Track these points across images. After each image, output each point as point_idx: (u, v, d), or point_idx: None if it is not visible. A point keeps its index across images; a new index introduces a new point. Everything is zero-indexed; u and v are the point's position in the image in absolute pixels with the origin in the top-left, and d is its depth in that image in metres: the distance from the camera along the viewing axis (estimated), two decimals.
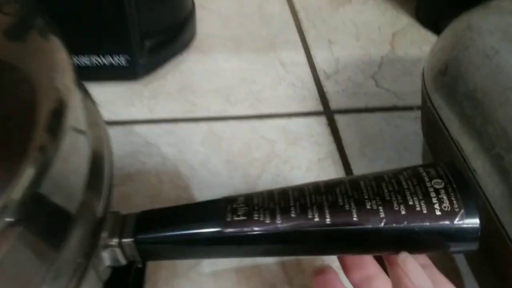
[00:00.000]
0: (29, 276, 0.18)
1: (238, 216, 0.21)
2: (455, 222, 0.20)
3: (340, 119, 0.42)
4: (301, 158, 0.38)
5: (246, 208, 0.21)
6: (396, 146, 0.40)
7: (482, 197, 0.24)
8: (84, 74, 0.42)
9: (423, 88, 0.31)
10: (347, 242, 0.21)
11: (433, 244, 0.21)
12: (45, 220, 0.18)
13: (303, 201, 0.21)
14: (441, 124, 0.28)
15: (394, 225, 0.20)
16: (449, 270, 0.31)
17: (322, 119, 0.42)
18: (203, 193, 0.35)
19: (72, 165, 0.20)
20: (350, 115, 0.42)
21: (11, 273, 0.17)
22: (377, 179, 0.22)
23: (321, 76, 0.47)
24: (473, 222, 0.20)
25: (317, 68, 0.47)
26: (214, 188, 0.36)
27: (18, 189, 0.16)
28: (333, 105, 0.43)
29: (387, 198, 0.21)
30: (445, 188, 0.20)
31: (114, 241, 0.21)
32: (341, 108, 0.43)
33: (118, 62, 0.40)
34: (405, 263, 0.20)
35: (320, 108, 0.43)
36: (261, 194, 0.22)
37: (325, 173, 0.37)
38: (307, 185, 0.22)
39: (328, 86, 0.45)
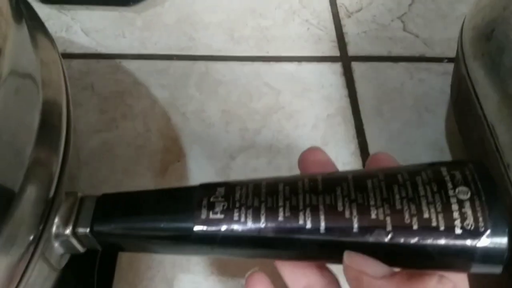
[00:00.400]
0: None
1: (215, 213, 0.17)
2: (478, 244, 0.16)
3: (357, 68, 0.37)
4: (308, 113, 0.34)
5: (225, 203, 0.17)
6: (418, 105, 0.35)
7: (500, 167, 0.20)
8: None
9: (460, 49, 0.25)
10: (340, 255, 0.17)
11: (449, 265, 0.17)
12: None
13: (294, 202, 0.17)
14: (475, 101, 0.23)
15: (402, 241, 0.16)
16: None
17: (337, 67, 0.37)
18: (193, 147, 0.32)
19: (12, 120, 0.17)
20: (370, 64, 0.37)
21: None
22: (389, 178, 0.17)
23: (342, 13, 0.40)
24: (500, 243, 0.16)
25: (338, 3, 0.41)
26: (206, 143, 0.32)
27: None
28: (352, 50, 0.38)
29: (398, 207, 0.17)
30: (471, 199, 0.16)
31: (68, 230, 0.17)
32: (360, 54, 0.38)
33: None
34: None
35: (336, 53, 0.38)
36: (245, 185, 0.18)
37: (333, 133, 0.33)
38: (303, 179, 0.18)
39: (348, 26, 0.39)
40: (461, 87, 0.25)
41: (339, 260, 0.17)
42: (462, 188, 0.17)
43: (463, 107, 0.26)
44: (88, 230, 0.17)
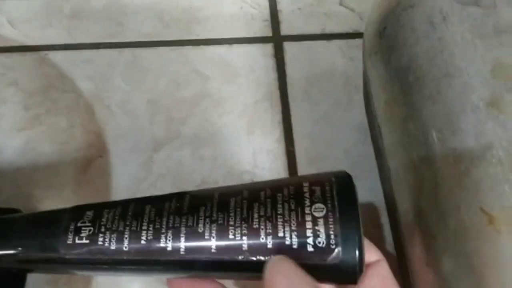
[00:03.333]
0: None
1: (81, 238, 0.18)
2: (328, 260, 0.17)
3: (289, 49, 0.36)
4: (236, 99, 0.34)
5: (91, 228, 0.18)
6: (347, 85, 0.35)
7: (392, 201, 0.21)
8: None
9: (363, 43, 0.25)
10: (205, 272, 0.18)
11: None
12: None
13: (158, 224, 0.17)
14: (370, 99, 0.23)
15: (256, 259, 0.17)
16: (376, 237, 0.29)
17: (268, 48, 0.36)
18: (118, 141, 0.32)
19: None
20: (302, 44, 0.36)
21: None
22: (252, 196, 0.18)
23: None
24: (351, 259, 0.17)
25: None
26: (131, 136, 0.32)
27: None
28: (285, 29, 0.37)
29: (255, 226, 0.17)
30: (325, 217, 0.17)
31: None
32: (293, 33, 0.37)
33: None
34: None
35: (268, 33, 0.37)
36: (114, 208, 0.18)
37: (259, 119, 0.33)
38: (170, 200, 0.18)
39: (283, 3, 0.38)
40: (364, 77, 0.25)
41: (206, 276, 0.18)
42: (318, 205, 0.17)
43: (366, 101, 0.26)
44: None
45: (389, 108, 0.21)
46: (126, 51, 0.35)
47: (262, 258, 0.17)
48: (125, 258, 0.17)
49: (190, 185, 0.30)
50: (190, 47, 0.36)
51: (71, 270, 0.18)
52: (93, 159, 0.31)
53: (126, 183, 0.30)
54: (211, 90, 0.34)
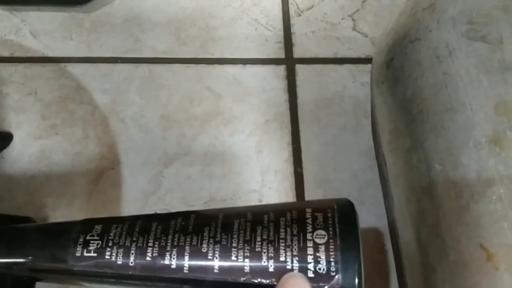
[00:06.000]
0: None
1: (89, 251, 0.18)
2: (328, 287, 0.17)
3: (301, 71, 0.37)
4: (247, 119, 0.34)
5: (99, 242, 0.18)
6: (357, 109, 0.35)
7: (394, 231, 0.21)
8: None
9: (371, 71, 0.25)
10: None
11: None
12: None
13: (163, 242, 0.18)
14: (376, 127, 0.24)
15: (258, 281, 0.17)
16: (380, 263, 0.29)
17: (281, 70, 0.37)
18: (129, 155, 0.33)
19: None
20: (314, 67, 0.37)
21: None
22: (256, 218, 0.18)
23: (292, 12, 0.40)
24: (350, 286, 0.17)
25: (290, 0, 0.41)
26: (143, 150, 0.33)
27: None
28: (298, 51, 0.38)
29: (257, 249, 0.18)
30: (326, 244, 0.17)
31: None
32: (305, 56, 0.38)
33: None
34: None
35: (281, 55, 0.38)
36: (122, 224, 0.19)
37: (269, 139, 0.34)
38: (176, 219, 0.19)
39: (297, 26, 0.39)
40: (371, 107, 0.25)
41: None
42: (320, 232, 0.18)
43: (373, 127, 0.26)
44: None
45: (393, 138, 0.21)
46: (143, 67, 0.36)
47: (263, 281, 0.17)
48: (130, 273, 0.18)
49: (198, 201, 0.31)
50: (205, 65, 0.37)
51: (78, 282, 0.19)
52: (105, 170, 0.32)
53: (136, 195, 0.31)
54: (223, 109, 0.35)
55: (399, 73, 0.22)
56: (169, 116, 0.34)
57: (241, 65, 0.37)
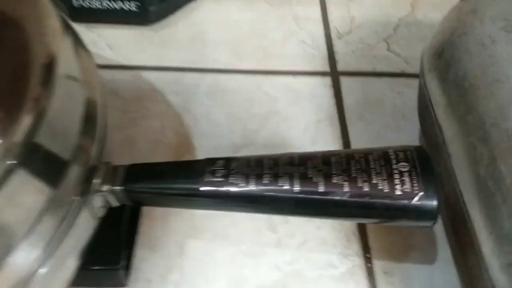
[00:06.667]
0: (30, 210, 0.21)
1: (216, 177, 0.23)
2: (413, 202, 0.21)
3: (344, 82, 0.42)
4: (301, 118, 0.40)
5: (224, 171, 0.23)
6: (396, 113, 0.40)
7: (453, 179, 0.26)
8: (96, 17, 0.44)
9: (421, 64, 0.31)
10: (313, 208, 0.23)
11: (392, 218, 0.22)
12: (42, 163, 0.21)
13: (276, 170, 0.23)
14: (429, 105, 0.29)
15: (357, 199, 0.22)
16: (426, 233, 0.33)
17: (327, 81, 0.42)
18: (202, 142, 0.37)
19: (65, 112, 0.22)
20: (356, 78, 0.43)
21: (14, 207, 0.20)
22: (348, 156, 0.23)
23: (333, 35, 0.46)
24: (431, 204, 0.21)
25: (331, 26, 0.47)
26: (214, 138, 0.37)
27: (18, 135, 0.19)
28: (341, 66, 0.44)
29: (353, 175, 0.22)
30: (409, 171, 0.22)
31: (106, 187, 0.23)
32: (348, 70, 0.43)
33: (129, 7, 0.41)
34: None
35: (326, 68, 0.44)
36: (239, 160, 0.23)
37: (322, 135, 0.39)
38: (283, 156, 0.23)
39: (338, 46, 0.45)
40: (421, 94, 0.30)
41: (307, 214, 0.23)
42: (403, 164, 0.22)
43: (422, 111, 0.31)
44: (121, 188, 0.23)
45: (448, 108, 0.27)
46: (208, 75, 0.42)
47: (358, 199, 0.22)
48: (251, 194, 0.22)
49: None
50: (261, 75, 0.42)
51: (205, 205, 0.23)
52: (183, 154, 0.36)
53: None
54: (279, 109, 0.40)
55: (450, 60, 0.27)
56: (234, 114, 0.39)
57: (292, 76, 0.43)
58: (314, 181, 0.22)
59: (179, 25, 0.46)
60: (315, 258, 0.32)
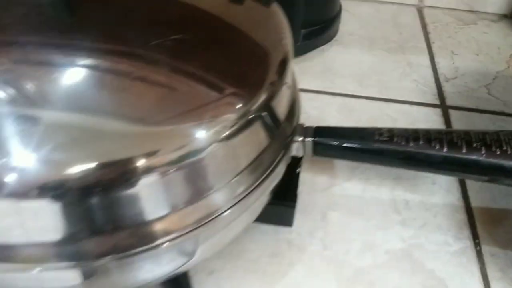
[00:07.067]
0: (254, 149, 0.30)
1: (383, 137, 0.31)
2: None
3: (453, 114, 0.51)
4: None
5: (389, 134, 0.32)
6: None
7: None
8: None
9: None
10: (456, 165, 0.30)
11: None
12: (269, 120, 0.30)
13: (428, 136, 0.31)
14: None
15: (490, 159, 0.30)
16: None
17: (438, 111, 0.51)
18: None
19: (285, 93, 0.32)
20: (462, 112, 0.51)
21: (246, 144, 0.29)
22: (484, 133, 0.31)
23: (441, 79, 0.56)
24: None
25: (439, 72, 0.57)
26: None
27: (259, 102, 0.28)
28: (449, 101, 0.52)
29: (488, 143, 0.30)
30: None
31: (300, 139, 0.32)
32: (455, 105, 0.52)
33: None
34: None
35: (437, 102, 0.52)
36: (399, 128, 0.32)
37: None
38: (433, 130, 0.32)
39: (446, 87, 0.54)
40: None
41: (450, 171, 0.31)
42: None
43: None
44: (311, 139, 0.32)
45: None
46: (338, 98, 0.52)
47: (492, 160, 0.30)
48: (410, 152, 0.31)
49: (387, 178, 0.43)
50: (382, 101, 0.52)
51: (373, 160, 0.32)
52: None
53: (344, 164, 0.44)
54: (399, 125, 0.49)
55: None
56: (363, 124, 0.48)
57: (408, 105, 0.52)
58: (458, 145, 0.30)
59: (314, 60, 0.57)
60: (433, 237, 0.39)
